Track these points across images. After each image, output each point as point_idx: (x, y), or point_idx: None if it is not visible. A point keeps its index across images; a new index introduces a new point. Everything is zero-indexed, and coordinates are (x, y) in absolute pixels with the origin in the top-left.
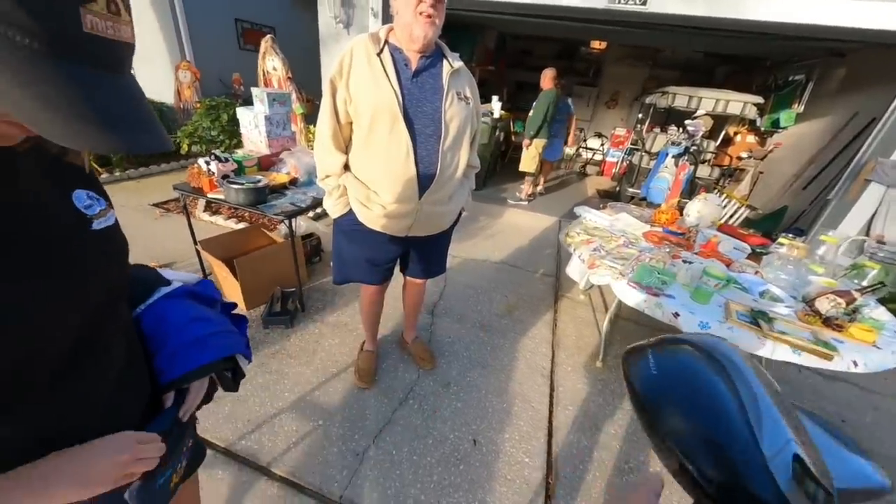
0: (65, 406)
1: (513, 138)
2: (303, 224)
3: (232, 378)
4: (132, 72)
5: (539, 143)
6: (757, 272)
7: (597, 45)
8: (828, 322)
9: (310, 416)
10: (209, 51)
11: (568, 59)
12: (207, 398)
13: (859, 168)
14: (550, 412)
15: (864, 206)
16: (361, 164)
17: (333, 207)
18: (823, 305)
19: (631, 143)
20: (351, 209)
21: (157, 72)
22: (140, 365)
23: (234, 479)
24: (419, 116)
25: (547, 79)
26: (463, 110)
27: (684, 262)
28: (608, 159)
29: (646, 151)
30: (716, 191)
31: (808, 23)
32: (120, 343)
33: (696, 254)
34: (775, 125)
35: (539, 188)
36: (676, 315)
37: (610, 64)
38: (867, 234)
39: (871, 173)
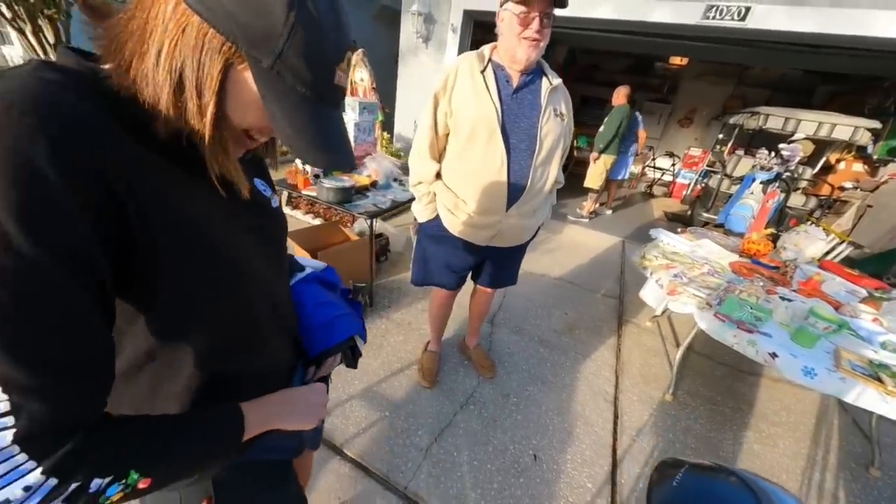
0: (273, 351)
1: (575, 153)
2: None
3: (352, 355)
4: None
5: (608, 159)
6: (875, 319)
7: (677, 60)
8: None
9: (377, 407)
10: None
11: (640, 74)
12: (354, 365)
13: None
14: (614, 440)
15: None
16: (454, 174)
17: (422, 212)
18: None
19: (707, 165)
20: (438, 215)
21: None
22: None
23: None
24: (515, 131)
25: (620, 95)
26: (558, 127)
27: (782, 298)
28: (679, 180)
29: (726, 175)
30: (809, 222)
31: None
32: (291, 307)
33: (794, 291)
34: (893, 154)
35: (606, 208)
36: (774, 356)
37: (687, 80)
38: None
39: None
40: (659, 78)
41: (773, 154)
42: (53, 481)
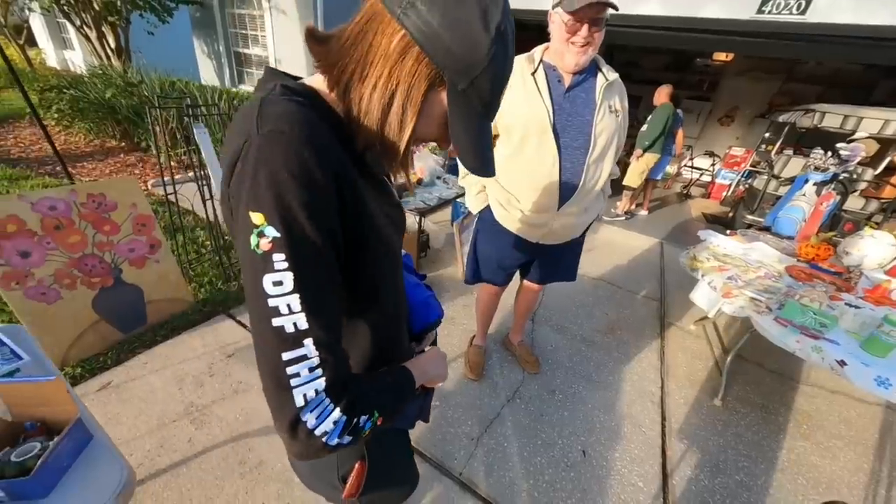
0: (406, 324)
1: None
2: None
3: None
4: None
5: (651, 158)
6: None
7: (721, 56)
8: None
9: None
10: None
11: (679, 71)
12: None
13: None
14: (663, 441)
15: None
16: (506, 173)
17: (473, 201)
18: None
19: (751, 165)
20: (489, 206)
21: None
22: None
23: None
24: (568, 130)
25: (663, 94)
26: (613, 123)
27: (848, 305)
28: (718, 181)
29: (773, 175)
30: (866, 227)
31: None
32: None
33: (860, 298)
34: None
35: (642, 209)
36: (842, 363)
37: (730, 76)
38: None
39: None
40: (699, 74)
41: (829, 154)
42: (345, 417)
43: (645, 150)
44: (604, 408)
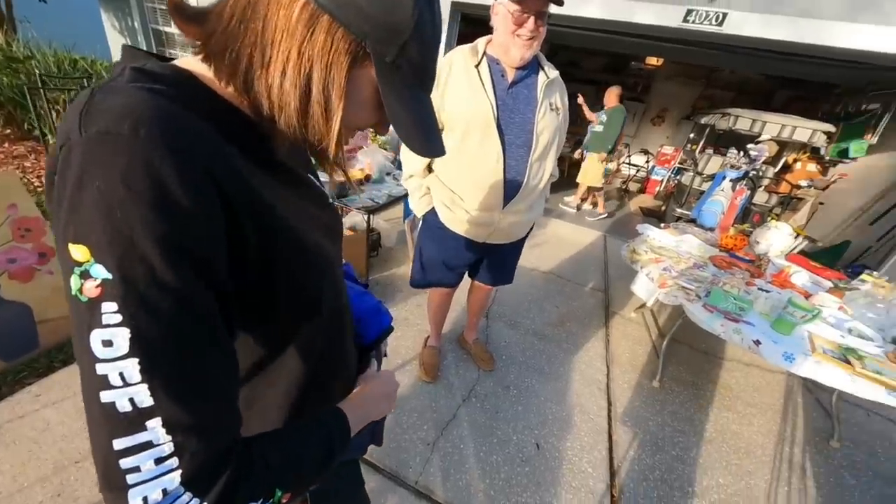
0: (350, 345)
1: None
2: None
3: None
4: None
5: (608, 158)
6: (840, 307)
7: (653, 60)
8: None
9: None
10: None
11: (616, 73)
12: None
13: None
14: (609, 426)
15: None
16: (449, 169)
17: (417, 205)
18: None
19: (679, 163)
20: (434, 209)
21: None
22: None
23: None
24: (511, 127)
25: (613, 96)
26: (554, 121)
27: (760, 290)
28: (653, 177)
29: (697, 172)
30: (770, 218)
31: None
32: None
33: (769, 283)
34: (843, 155)
35: (599, 209)
36: (757, 343)
37: (660, 80)
38: None
39: None
40: (634, 77)
41: (741, 153)
42: None
43: (609, 153)
44: (555, 399)
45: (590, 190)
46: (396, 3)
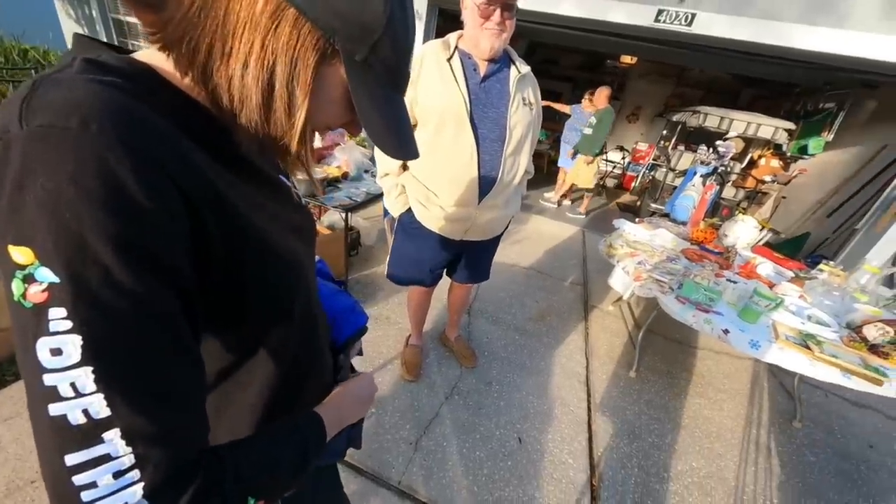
0: (324, 347)
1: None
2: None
3: None
4: None
5: (598, 159)
6: (801, 296)
7: (627, 59)
8: (873, 349)
9: None
10: None
11: (591, 71)
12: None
13: (890, 201)
14: (589, 417)
15: (891, 239)
16: (424, 165)
17: (393, 205)
18: (871, 332)
19: (653, 159)
20: (410, 209)
21: None
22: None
23: None
24: (485, 121)
25: (603, 97)
26: (526, 116)
27: (728, 280)
28: (629, 173)
29: (670, 168)
30: (737, 212)
31: (850, 55)
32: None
33: (736, 273)
34: (803, 151)
35: (580, 209)
36: (726, 332)
37: (634, 78)
38: (893, 266)
39: None
40: (609, 75)
41: (710, 150)
42: None
43: (595, 156)
44: (537, 393)
45: (577, 190)
46: (367, 0)
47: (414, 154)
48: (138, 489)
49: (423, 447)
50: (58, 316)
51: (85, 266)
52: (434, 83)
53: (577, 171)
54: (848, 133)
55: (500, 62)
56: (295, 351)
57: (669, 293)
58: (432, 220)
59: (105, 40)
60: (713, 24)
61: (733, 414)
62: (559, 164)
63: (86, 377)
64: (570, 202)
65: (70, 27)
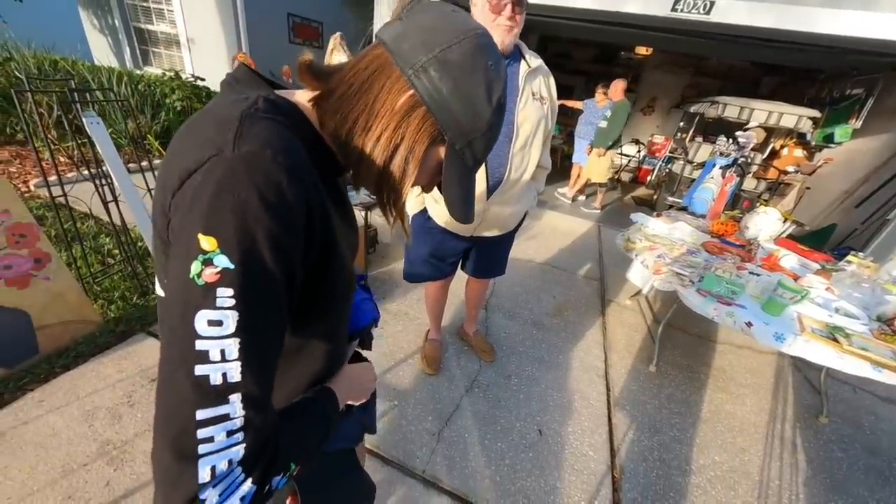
0: (343, 336)
1: None
2: (361, 214)
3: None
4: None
5: (613, 153)
6: (828, 288)
7: (642, 50)
8: None
9: (385, 396)
10: (262, 43)
11: (606, 64)
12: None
13: None
14: (609, 410)
15: None
16: None
17: (412, 203)
18: None
19: (669, 151)
20: (426, 206)
21: (215, 60)
22: None
23: None
24: None
25: (619, 90)
26: (537, 111)
27: (751, 273)
28: (644, 166)
29: (688, 161)
30: (759, 204)
31: (878, 38)
32: None
33: (759, 266)
34: (828, 140)
35: (595, 203)
36: (749, 324)
37: (649, 70)
38: None
39: None
40: (623, 67)
41: (730, 141)
42: (255, 489)
43: (608, 149)
44: (556, 387)
45: (591, 184)
46: (479, 115)
47: (472, 219)
48: (241, 449)
49: (446, 438)
50: (225, 294)
51: (253, 259)
52: None
53: (589, 165)
54: (878, 119)
55: (511, 57)
56: (335, 340)
57: (690, 286)
58: (443, 215)
59: (139, 46)
60: (731, 12)
61: (756, 409)
62: (574, 160)
63: (233, 346)
64: (584, 197)
65: (95, 37)
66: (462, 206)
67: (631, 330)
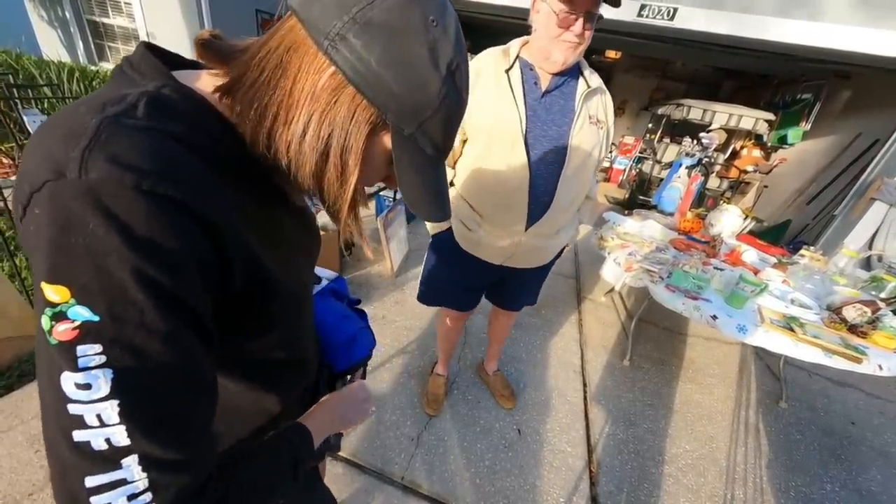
0: (311, 362)
1: None
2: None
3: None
4: None
5: None
6: (784, 281)
7: (612, 54)
8: (852, 329)
9: None
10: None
11: None
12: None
13: (865, 187)
14: (585, 406)
15: (867, 223)
16: (470, 184)
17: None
18: (850, 313)
19: (639, 152)
20: (451, 227)
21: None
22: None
23: None
24: (542, 141)
25: None
26: (593, 136)
27: (715, 268)
28: (615, 166)
29: (656, 161)
30: (722, 202)
31: (822, 46)
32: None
33: (722, 261)
34: (782, 141)
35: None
36: (714, 318)
37: (619, 73)
38: (869, 250)
39: (877, 192)
40: (595, 70)
41: (695, 142)
42: None
43: None
44: (534, 385)
45: None
46: (423, 84)
47: (445, 217)
48: None
49: (425, 442)
50: (90, 352)
51: (124, 309)
52: (487, 98)
53: None
54: (824, 122)
55: (568, 73)
56: (290, 348)
57: (659, 282)
58: (472, 242)
59: (94, 40)
60: (693, 19)
61: (723, 397)
62: None
63: (111, 410)
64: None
65: (44, 30)
66: (428, 204)
67: (606, 326)
